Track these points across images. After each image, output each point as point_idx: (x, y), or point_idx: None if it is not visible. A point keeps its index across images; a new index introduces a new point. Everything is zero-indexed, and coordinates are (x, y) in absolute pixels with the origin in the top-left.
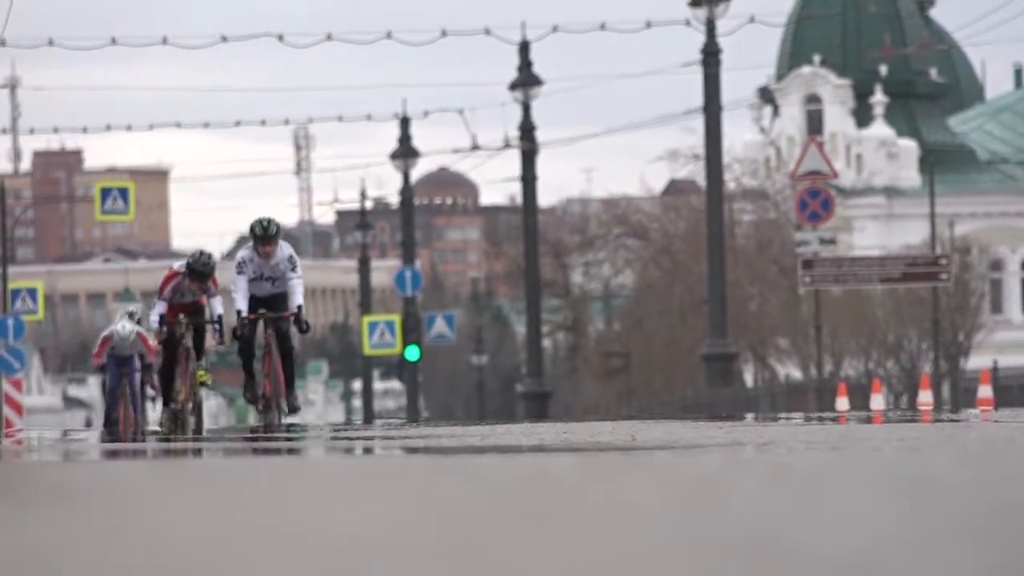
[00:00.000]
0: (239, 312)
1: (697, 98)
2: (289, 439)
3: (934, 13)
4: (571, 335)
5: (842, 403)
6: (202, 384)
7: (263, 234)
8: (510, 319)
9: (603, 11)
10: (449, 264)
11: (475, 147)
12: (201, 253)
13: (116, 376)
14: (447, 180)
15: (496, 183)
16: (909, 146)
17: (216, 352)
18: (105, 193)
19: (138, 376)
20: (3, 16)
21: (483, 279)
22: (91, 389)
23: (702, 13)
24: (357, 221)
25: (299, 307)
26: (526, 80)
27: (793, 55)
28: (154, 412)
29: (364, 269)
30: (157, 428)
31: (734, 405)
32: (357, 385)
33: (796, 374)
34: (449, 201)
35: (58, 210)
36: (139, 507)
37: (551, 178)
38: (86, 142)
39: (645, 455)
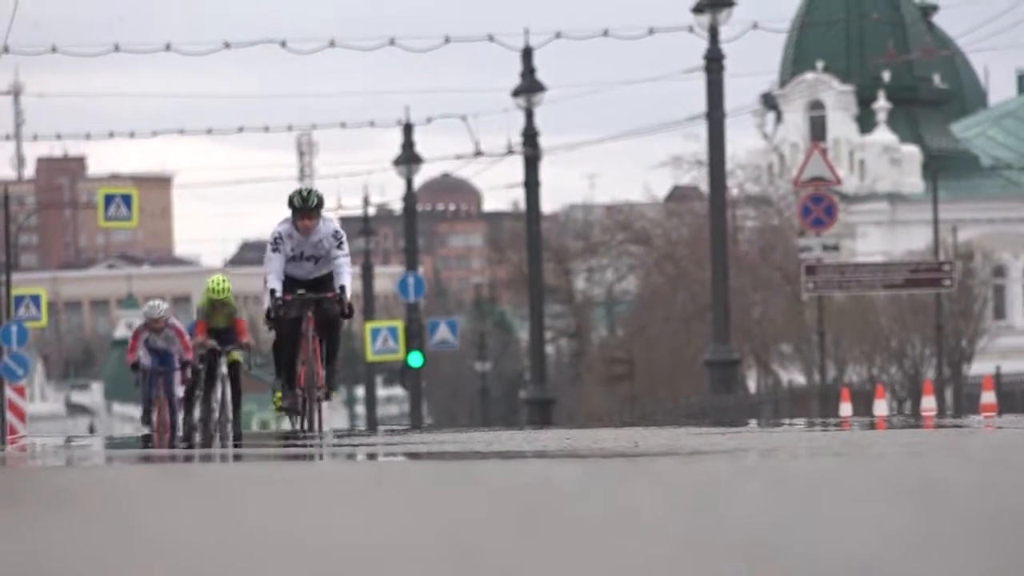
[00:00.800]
0: (273, 292)
1: (700, 104)
2: (292, 445)
3: (937, 19)
4: (574, 341)
5: (845, 409)
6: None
7: (302, 205)
8: (513, 325)
9: (606, 17)
10: (452, 270)
11: (478, 153)
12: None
13: (152, 376)
14: (450, 186)
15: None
16: (912, 152)
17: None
18: (108, 200)
19: (177, 376)
20: (6, 23)
21: (486, 285)
22: (94, 395)
23: (705, 19)
24: (360, 227)
25: (342, 287)
26: (529, 86)
27: (796, 61)
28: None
29: (367, 275)
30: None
31: (737, 411)
32: (360, 392)
33: (799, 380)
34: (452, 207)
35: (62, 217)
36: (142, 513)
37: (554, 184)
38: (89, 148)
39: (648, 461)
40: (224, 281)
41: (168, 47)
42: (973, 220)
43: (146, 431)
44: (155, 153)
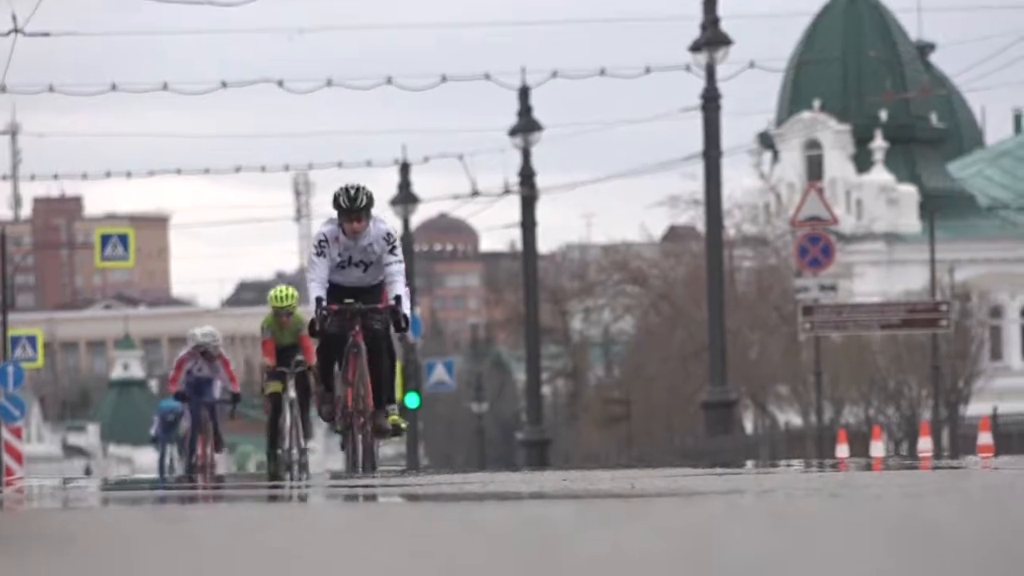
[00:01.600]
0: (318, 301)
1: (697, 143)
2: (289, 487)
3: (934, 58)
4: (571, 382)
5: (842, 450)
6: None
7: (350, 205)
8: (510, 366)
9: (603, 57)
10: (449, 311)
11: (475, 193)
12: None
13: (196, 407)
14: (447, 226)
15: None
16: (909, 192)
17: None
18: (105, 240)
19: (220, 411)
20: (4, 62)
21: (483, 326)
22: (90, 437)
23: (702, 58)
24: None
25: (397, 297)
26: (526, 126)
27: (793, 100)
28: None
29: None
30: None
31: (734, 452)
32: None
33: (796, 421)
34: (449, 247)
35: (58, 257)
36: (136, 555)
37: (551, 224)
38: (86, 188)
39: (644, 503)
40: (288, 288)
41: (165, 86)
42: (970, 260)
43: (186, 469)
44: (152, 193)
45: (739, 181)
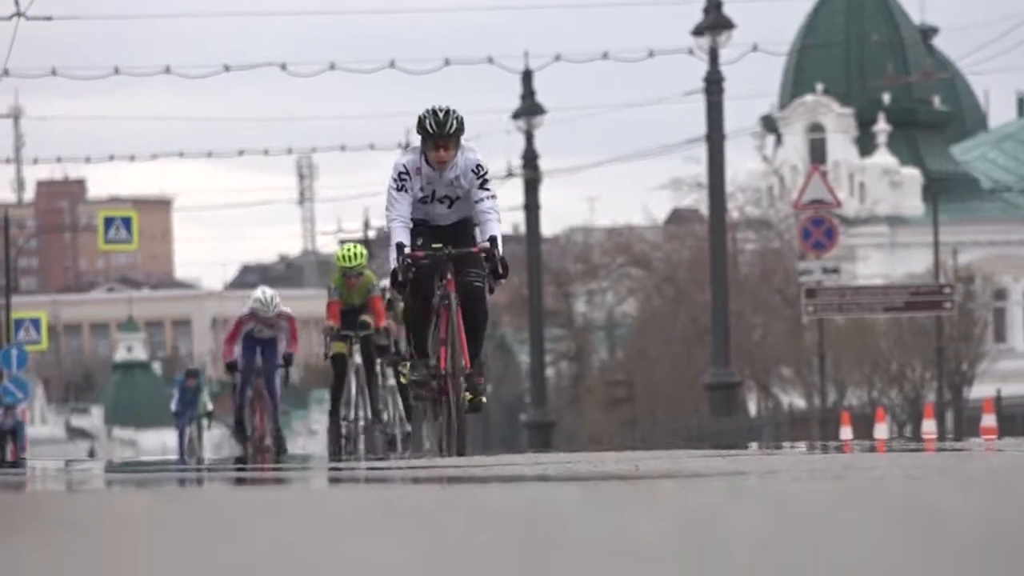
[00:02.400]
0: (399, 247)
1: (700, 127)
2: (293, 470)
3: (937, 42)
4: (574, 364)
5: (846, 432)
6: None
7: (438, 130)
8: (513, 348)
9: (606, 40)
10: None
11: None
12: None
13: (249, 372)
14: None
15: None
16: (912, 175)
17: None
18: (108, 223)
19: (278, 377)
20: (7, 46)
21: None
22: (94, 420)
23: (705, 42)
24: None
25: (492, 239)
26: (529, 109)
27: (796, 84)
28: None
29: None
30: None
31: (737, 434)
32: None
33: (800, 403)
34: None
35: (61, 240)
36: (143, 538)
37: (554, 207)
38: (89, 172)
39: (648, 484)
40: (357, 247)
41: (168, 70)
42: (973, 243)
43: (237, 442)
44: (155, 176)
45: (742, 164)
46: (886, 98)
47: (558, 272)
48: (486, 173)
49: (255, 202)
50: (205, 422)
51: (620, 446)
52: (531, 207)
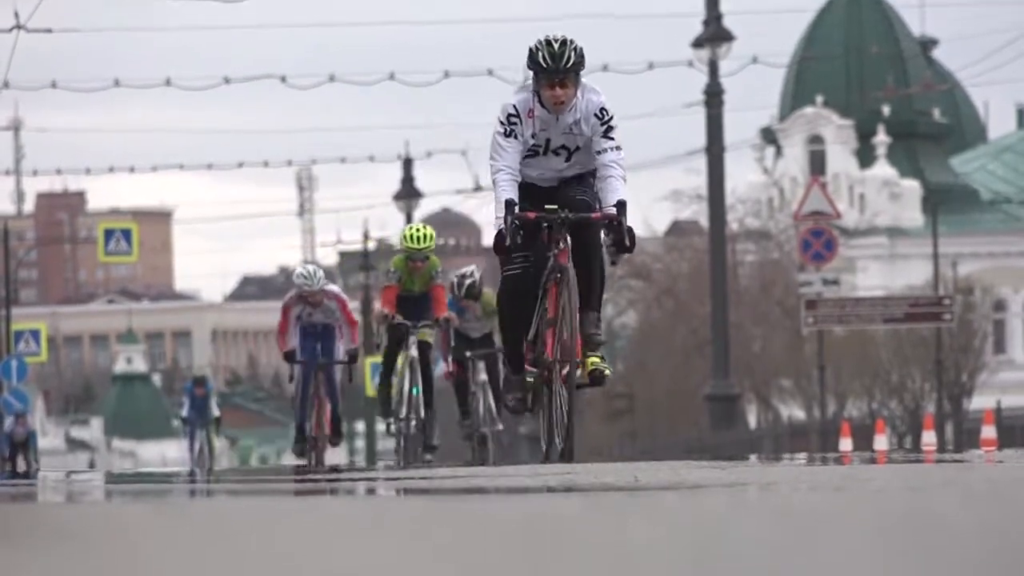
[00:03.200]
0: (509, 204)
1: (700, 139)
2: (292, 480)
3: (937, 53)
4: None
5: (845, 444)
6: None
7: (553, 64)
8: None
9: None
10: None
11: (478, 188)
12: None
13: (312, 367)
14: (450, 221)
15: None
16: (912, 186)
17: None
18: (108, 234)
19: (338, 372)
20: (6, 58)
21: None
22: (94, 431)
23: (705, 54)
24: (360, 262)
25: (620, 204)
26: None
27: (796, 96)
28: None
29: (367, 310)
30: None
31: (737, 446)
32: (360, 426)
33: (799, 415)
34: (452, 242)
35: (61, 252)
36: (141, 549)
37: None
38: (89, 183)
39: (648, 496)
40: (426, 228)
41: (168, 82)
42: (973, 254)
43: (297, 448)
44: (155, 188)
45: (742, 176)
46: (886, 110)
47: None
48: (611, 119)
49: (255, 214)
50: (214, 430)
51: (620, 457)
52: None
